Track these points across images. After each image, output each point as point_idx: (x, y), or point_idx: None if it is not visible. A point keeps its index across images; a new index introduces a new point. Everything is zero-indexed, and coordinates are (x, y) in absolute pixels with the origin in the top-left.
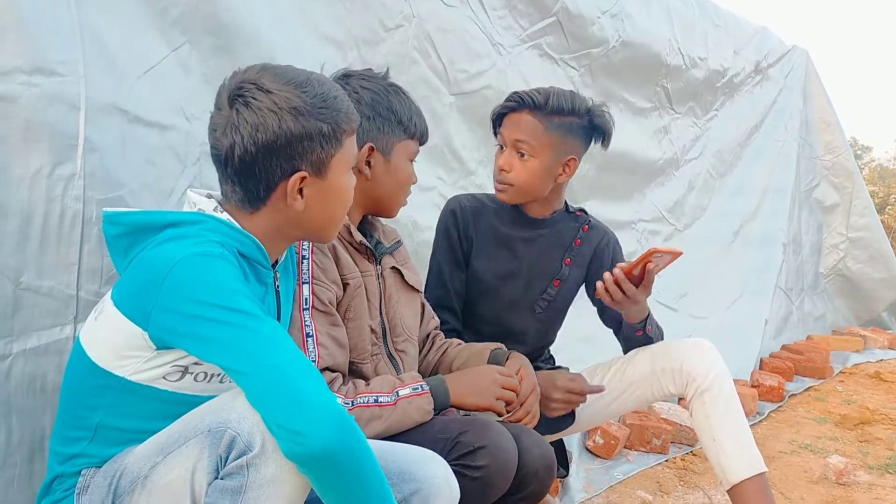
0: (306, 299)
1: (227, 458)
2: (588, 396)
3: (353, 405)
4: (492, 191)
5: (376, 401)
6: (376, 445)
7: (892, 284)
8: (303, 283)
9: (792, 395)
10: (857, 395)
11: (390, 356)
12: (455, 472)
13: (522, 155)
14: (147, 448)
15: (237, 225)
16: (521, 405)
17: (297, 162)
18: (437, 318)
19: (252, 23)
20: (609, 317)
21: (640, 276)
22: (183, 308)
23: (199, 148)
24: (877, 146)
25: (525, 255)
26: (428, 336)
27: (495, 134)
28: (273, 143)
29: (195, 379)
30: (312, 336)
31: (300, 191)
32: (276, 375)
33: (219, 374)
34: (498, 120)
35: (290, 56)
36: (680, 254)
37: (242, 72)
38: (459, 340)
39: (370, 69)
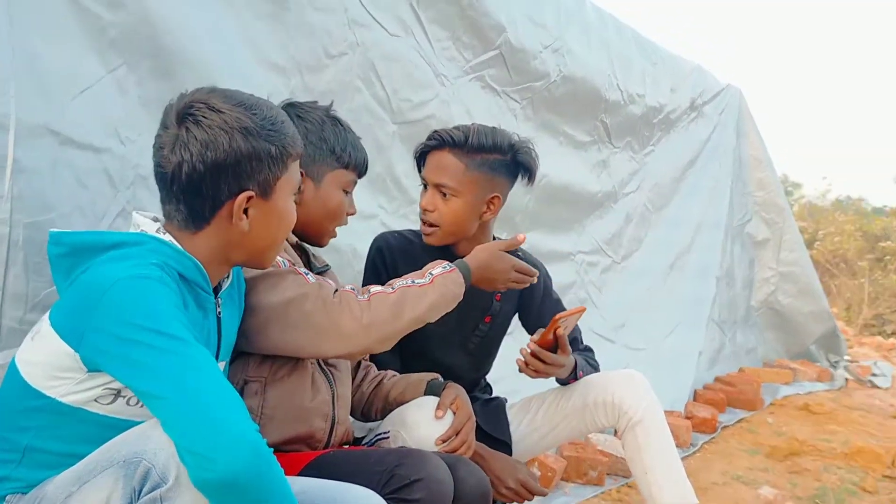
0: (283, 262)
1: (140, 491)
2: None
3: (393, 289)
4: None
5: (413, 282)
6: (312, 483)
7: (821, 318)
8: None
9: (724, 426)
10: (787, 427)
11: (321, 367)
12: None
13: (445, 195)
14: (66, 477)
15: (179, 246)
16: (456, 434)
17: (244, 182)
18: None
19: (192, 46)
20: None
21: (553, 342)
22: (114, 330)
23: (133, 171)
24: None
25: None
26: (359, 364)
27: (419, 172)
28: (222, 162)
29: (127, 403)
30: (310, 273)
31: (245, 211)
32: (192, 400)
33: None
34: (420, 158)
35: (231, 80)
36: (583, 310)
37: (190, 93)
38: (394, 372)
39: (315, 101)
